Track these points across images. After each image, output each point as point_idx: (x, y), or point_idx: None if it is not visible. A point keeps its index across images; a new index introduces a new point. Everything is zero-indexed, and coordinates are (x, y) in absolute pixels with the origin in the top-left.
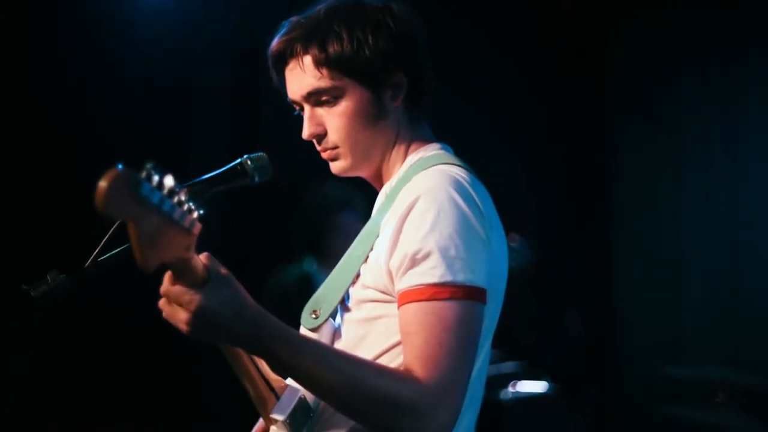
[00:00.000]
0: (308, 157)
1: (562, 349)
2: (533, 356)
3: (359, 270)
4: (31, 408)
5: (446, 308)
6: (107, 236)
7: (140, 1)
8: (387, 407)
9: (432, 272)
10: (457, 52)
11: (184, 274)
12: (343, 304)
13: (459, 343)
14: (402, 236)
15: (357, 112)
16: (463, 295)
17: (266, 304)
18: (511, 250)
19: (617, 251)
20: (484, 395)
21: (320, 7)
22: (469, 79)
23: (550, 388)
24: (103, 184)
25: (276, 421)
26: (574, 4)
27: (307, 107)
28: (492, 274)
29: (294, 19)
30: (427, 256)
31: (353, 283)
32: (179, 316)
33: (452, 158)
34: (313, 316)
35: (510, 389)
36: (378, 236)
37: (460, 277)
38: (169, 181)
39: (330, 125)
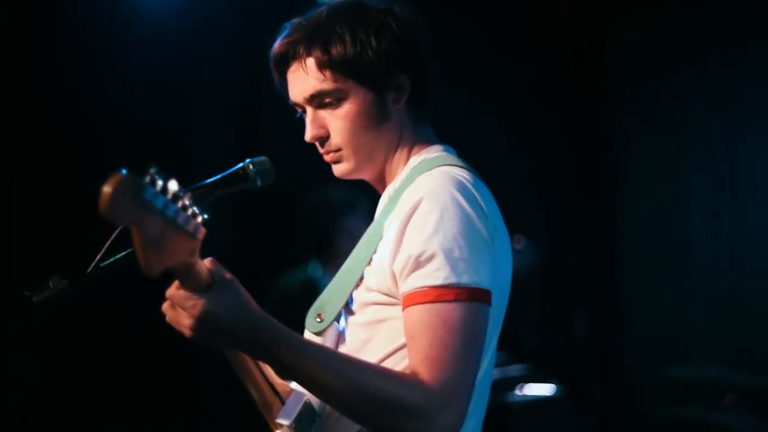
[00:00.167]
0: (311, 160)
1: (568, 351)
2: (539, 359)
3: (363, 273)
4: (31, 408)
5: (451, 310)
6: (109, 241)
7: (141, 1)
8: (392, 410)
9: (436, 274)
10: (458, 53)
11: (188, 279)
12: (347, 308)
13: (464, 345)
14: (405, 238)
15: (360, 115)
16: (467, 296)
17: (271, 308)
18: (515, 251)
19: (622, 252)
20: (490, 398)
21: (322, 9)
22: (472, 80)
23: (557, 391)
24: (106, 188)
25: (281, 425)
26: (572, 4)
27: (309, 109)
28: (496, 275)
29: (296, 20)
30: (431, 258)
31: (357, 286)
32: (183, 321)
33: (455, 160)
34: (318, 319)
35: (517, 392)
36: (381, 239)
37: (465, 279)
38: (173, 185)
39: (333, 128)
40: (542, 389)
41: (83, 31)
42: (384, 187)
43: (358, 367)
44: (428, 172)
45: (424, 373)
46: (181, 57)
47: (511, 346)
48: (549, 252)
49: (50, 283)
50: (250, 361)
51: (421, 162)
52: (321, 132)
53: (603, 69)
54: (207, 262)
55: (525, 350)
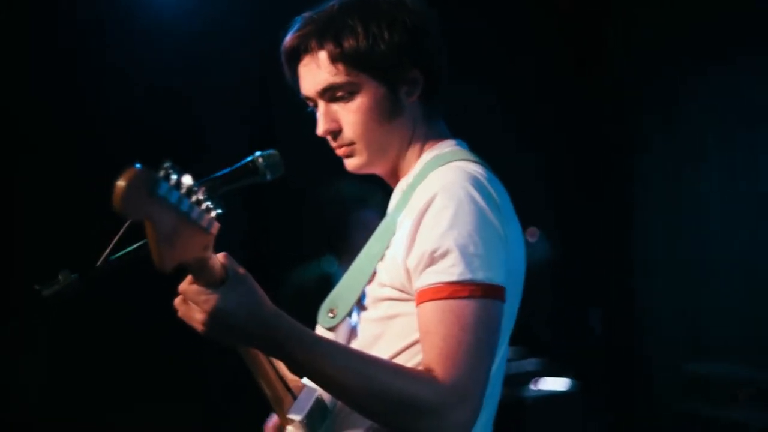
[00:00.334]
0: (324, 155)
1: (583, 346)
2: (554, 353)
3: (375, 268)
4: (38, 407)
5: (465, 307)
6: (118, 235)
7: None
8: (405, 407)
9: (451, 270)
10: (468, 49)
11: (201, 274)
12: (360, 303)
13: (478, 342)
14: (420, 234)
15: (373, 108)
16: (482, 293)
17: (285, 303)
18: (529, 245)
19: (637, 248)
20: (505, 392)
21: (334, 2)
22: (484, 77)
23: (571, 386)
24: (120, 183)
25: (293, 421)
26: (573, 2)
27: (321, 103)
28: (510, 271)
29: (307, 14)
30: (445, 254)
31: (370, 281)
32: (195, 316)
33: (468, 154)
34: (330, 315)
35: (531, 386)
36: (394, 234)
37: (479, 275)
38: (187, 180)
39: (345, 121)
40: (557, 384)
41: (84, 30)
42: (396, 181)
43: (370, 364)
44: (442, 167)
45: (438, 370)
46: (184, 55)
47: (525, 340)
48: (564, 247)
49: (59, 277)
50: (262, 357)
51: (434, 157)
52: (333, 126)
53: (618, 65)
54: (220, 257)
55: (540, 345)
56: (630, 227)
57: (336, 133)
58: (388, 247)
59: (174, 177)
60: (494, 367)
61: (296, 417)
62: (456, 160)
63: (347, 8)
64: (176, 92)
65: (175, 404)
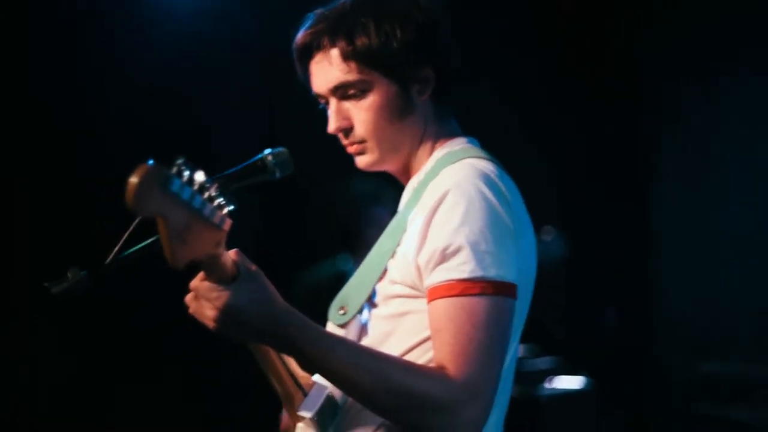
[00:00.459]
0: (337, 152)
1: (598, 344)
2: (569, 352)
3: (386, 265)
4: (43, 408)
5: (476, 304)
6: (128, 232)
7: None
8: (417, 404)
9: (462, 267)
10: (475, 49)
11: (213, 271)
12: (371, 300)
13: (489, 339)
14: (431, 231)
15: (384, 106)
16: (493, 290)
17: (300, 300)
18: (545, 242)
19: (653, 246)
20: (520, 391)
21: (346, 0)
22: (493, 75)
23: (586, 384)
24: (133, 180)
25: (303, 418)
26: (577, 3)
27: (332, 101)
28: (522, 268)
29: (319, 11)
30: (457, 252)
31: (380, 278)
32: (206, 313)
33: (480, 152)
34: (341, 312)
35: (546, 385)
36: (405, 231)
37: (491, 273)
38: (199, 176)
39: (357, 119)
40: (571, 382)
41: (84, 30)
42: (408, 179)
43: (382, 361)
44: (453, 165)
45: (450, 367)
46: (185, 54)
47: (540, 338)
48: (578, 245)
49: (68, 274)
50: (272, 354)
51: (445, 154)
52: (345, 123)
53: (631, 63)
54: (232, 254)
55: (554, 343)
56: (645, 225)
57: (347, 130)
58: (399, 245)
59: (186, 173)
60: (505, 365)
61: (307, 414)
62: (467, 158)
63: (360, 6)
64: (176, 92)
65: (185, 402)
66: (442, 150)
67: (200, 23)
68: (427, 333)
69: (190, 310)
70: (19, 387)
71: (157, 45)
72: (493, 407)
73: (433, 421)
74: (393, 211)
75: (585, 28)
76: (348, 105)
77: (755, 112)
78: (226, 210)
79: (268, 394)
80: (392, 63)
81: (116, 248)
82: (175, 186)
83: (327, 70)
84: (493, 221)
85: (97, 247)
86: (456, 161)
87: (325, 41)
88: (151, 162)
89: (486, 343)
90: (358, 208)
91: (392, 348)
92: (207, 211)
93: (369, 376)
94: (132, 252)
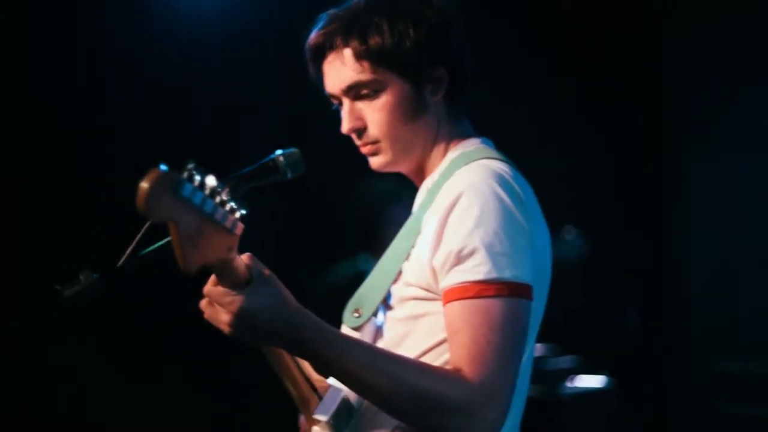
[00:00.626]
0: (355, 152)
1: (620, 343)
2: (591, 351)
3: (401, 267)
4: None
5: (492, 305)
6: (139, 235)
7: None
8: (434, 407)
9: (477, 269)
10: (501, 46)
11: (225, 275)
12: (386, 302)
13: (506, 341)
14: (446, 233)
15: (398, 107)
16: (509, 292)
17: (321, 301)
18: (566, 242)
19: (673, 245)
20: (542, 390)
21: (359, 0)
22: (509, 74)
23: (607, 383)
24: (144, 185)
25: (319, 421)
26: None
27: (346, 101)
28: (537, 269)
29: (332, 11)
30: (472, 253)
31: (395, 280)
32: (221, 318)
33: (494, 152)
34: (356, 314)
35: (568, 384)
36: (420, 233)
37: (506, 274)
38: (210, 181)
39: (370, 119)
40: (593, 381)
41: (84, 29)
42: (421, 180)
43: (398, 363)
44: (467, 166)
45: (466, 369)
46: (186, 54)
47: (561, 337)
48: (599, 245)
49: (80, 277)
50: (287, 357)
51: (459, 155)
52: (358, 124)
53: (652, 62)
54: (245, 258)
55: (576, 342)
56: (666, 225)
57: (361, 131)
58: (413, 246)
59: (198, 178)
60: (522, 366)
61: (322, 417)
62: (481, 158)
63: (373, 5)
64: (180, 91)
65: (196, 405)
66: (456, 151)
67: (202, 21)
68: (443, 335)
69: (205, 316)
70: (34, 389)
71: (160, 43)
72: (510, 408)
73: (449, 423)
74: (410, 211)
75: (607, 26)
76: (361, 105)
77: None
78: (238, 214)
79: (283, 397)
80: (405, 63)
81: (127, 252)
82: (186, 190)
83: (340, 70)
84: (507, 222)
85: (97, 246)
86: (470, 162)
87: (338, 41)
88: (162, 166)
89: (502, 344)
90: (378, 208)
91: (408, 350)
92: (219, 216)
93: (385, 379)
94: (144, 254)
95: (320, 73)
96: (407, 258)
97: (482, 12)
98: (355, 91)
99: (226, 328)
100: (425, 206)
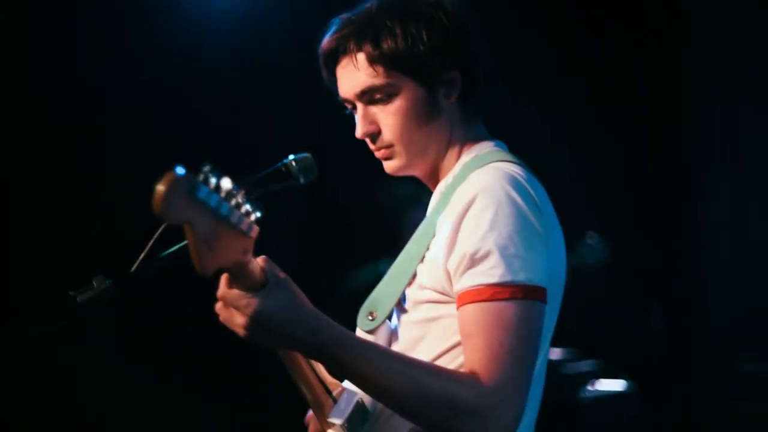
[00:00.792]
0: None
1: (641, 346)
2: (611, 354)
3: (415, 270)
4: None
5: (506, 308)
6: (152, 240)
7: None
8: (449, 409)
9: (491, 272)
10: (508, 48)
11: (241, 278)
12: (400, 305)
13: (520, 344)
14: (460, 236)
15: (411, 110)
16: (523, 294)
17: (343, 305)
18: (589, 246)
19: (698, 248)
20: (562, 394)
21: (371, 4)
22: (523, 76)
23: (628, 387)
24: (160, 187)
25: (333, 425)
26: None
27: (359, 106)
28: (551, 272)
29: (345, 15)
30: (486, 256)
31: (410, 283)
32: (236, 321)
33: (507, 155)
34: (370, 317)
35: (589, 388)
36: (434, 236)
37: (520, 277)
38: (226, 183)
39: (384, 124)
40: (613, 385)
41: (87, 29)
42: (435, 183)
43: (412, 366)
44: (481, 169)
45: (481, 372)
46: (188, 53)
47: (582, 341)
48: (621, 248)
49: (94, 282)
50: (302, 360)
51: (473, 158)
52: (372, 128)
53: (678, 58)
54: (260, 261)
55: (596, 346)
56: (689, 226)
57: (375, 135)
58: (428, 249)
59: (213, 180)
60: (536, 369)
61: (337, 421)
62: (495, 161)
63: (385, 9)
64: (180, 91)
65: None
66: (470, 154)
67: (202, 21)
68: (457, 338)
69: (221, 319)
70: (48, 392)
71: (164, 44)
72: (524, 411)
73: (464, 425)
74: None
75: (623, 25)
76: (375, 109)
77: None
78: (253, 217)
79: (297, 400)
80: (419, 66)
81: (140, 257)
82: (202, 193)
83: (353, 75)
84: (522, 225)
85: (97, 246)
86: (484, 165)
87: (352, 45)
88: (177, 169)
89: (516, 347)
90: (401, 211)
91: (423, 353)
92: (234, 218)
93: (400, 382)
94: (164, 256)
95: (333, 78)
96: (422, 261)
97: (495, 13)
98: (368, 96)
99: (241, 331)
100: (439, 209)
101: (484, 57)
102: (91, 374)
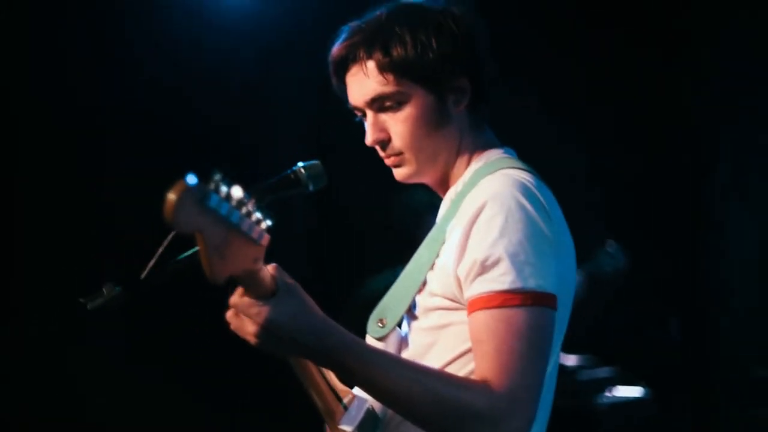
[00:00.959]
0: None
1: (659, 354)
2: (628, 361)
3: (426, 277)
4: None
5: (517, 315)
6: (162, 247)
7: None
8: (460, 417)
9: (502, 279)
10: (524, 52)
11: (252, 286)
12: (410, 312)
13: (530, 350)
14: (470, 243)
15: (421, 118)
16: (533, 301)
17: (359, 312)
18: (607, 254)
19: (713, 255)
20: (579, 401)
21: (381, 11)
22: (533, 81)
23: (645, 393)
24: (171, 196)
25: (344, 431)
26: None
27: (369, 113)
28: (561, 278)
29: (355, 23)
30: (496, 263)
31: (420, 290)
32: (247, 329)
33: (517, 162)
34: (380, 324)
35: (606, 394)
36: (444, 243)
37: (531, 283)
38: (237, 191)
39: (394, 131)
40: (631, 392)
41: (87, 29)
42: (445, 190)
43: (422, 373)
44: (491, 176)
45: (491, 379)
46: (189, 53)
47: (599, 348)
48: (639, 255)
49: (104, 289)
50: (312, 367)
51: (483, 165)
52: (382, 136)
53: (690, 62)
54: (270, 269)
55: (613, 353)
56: (705, 233)
57: (385, 143)
58: (438, 256)
59: (224, 189)
60: (547, 375)
61: (348, 428)
62: (505, 168)
63: (395, 17)
64: (180, 91)
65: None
66: (479, 161)
67: (203, 21)
68: (467, 345)
69: (231, 327)
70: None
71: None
72: (535, 418)
73: None
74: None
75: (636, 27)
76: (385, 117)
77: None
78: (264, 225)
79: (307, 407)
80: (428, 74)
81: (150, 264)
82: (213, 202)
83: (363, 83)
84: (532, 232)
85: (97, 246)
86: (493, 172)
87: (361, 53)
88: (188, 177)
89: (527, 354)
90: (417, 218)
91: (433, 360)
92: (245, 227)
93: (411, 388)
94: (179, 260)
95: (343, 86)
96: (432, 268)
97: (503, 15)
98: (378, 103)
99: (252, 339)
100: (449, 216)
101: (492, 64)
102: (96, 376)
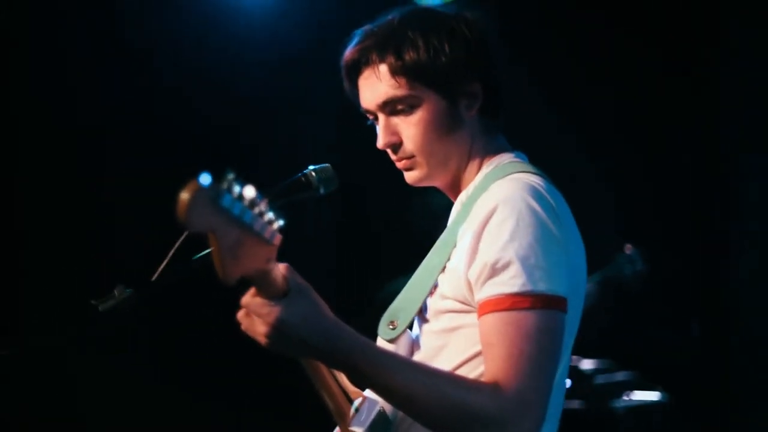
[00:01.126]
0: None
1: (676, 358)
2: (646, 365)
3: (437, 280)
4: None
5: (527, 318)
6: (173, 249)
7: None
8: (470, 419)
9: (512, 282)
10: (539, 56)
11: (263, 286)
12: (421, 315)
13: (540, 353)
14: (481, 246)
15: (433, 121)
16: (543, 304)
17: (368, 315)
18: (626, 258)
19: (735, 256)
20: (597, 405)
21: (393, 16)
22: (548, 85)
23: (663, 398)
24: (184, 195)
25: None
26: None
27: (381, 116)
28: (571, 282)
29: (367, 27)
30: (507, 266)
31: (431, 293)
32: (258, 329)
33: (528, 166)
34: (391, 327)
35: (623, 398)
36: (455, 246)
37: (541, 287)
38: (249, 192)
39: (405, 135)
40: (648, 396)
41: (87, 29)
42: (456, 194)
43: (434, 376)
44: (502, 180)
45: (501, 381)
46: (189, 52)
47: (617, 352)
48: (659, 259)
49: (115, 292)
50: (324, 369)
51: (494, 169)
52: (394, 139)
53: (708, 62)
54: (282, 269)
55: (631, 356)
56: (726, 239)
57: (396, 146)
58: (449, 259)
59: (237, 189)
60: (557, 378)
61: (358, 429)
62: (516, 172)
63: (407, 21)
64: (181, 91)
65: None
66: (491, 165)
67: (203, 21)
68: (478, 348)
69: (242, 327)
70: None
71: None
72: (545, 421)
73: None
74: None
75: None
76: (396, 120)
77: None
78: (276, 225)
79: (319, 408)
80: (441, 78)
81: (161, 266)
82: (226, 201)
83: (375, 86)
84: (542, 235)
85: (97, 246)
86: (504, 176)
87: (374, 57)
88: (201, 177)
89: (537, 356)
90: (435, 221)
91: (444, 362)
92: (258, 227)
93: (421, 391)
94: (196, 260)
95: (355, 89)
96: (443, 271)
97: (520, 20)
98: (390, 107)
99: (263, 339)
100: (460, 220)
101: (504, 69)
102: (106, 377)
